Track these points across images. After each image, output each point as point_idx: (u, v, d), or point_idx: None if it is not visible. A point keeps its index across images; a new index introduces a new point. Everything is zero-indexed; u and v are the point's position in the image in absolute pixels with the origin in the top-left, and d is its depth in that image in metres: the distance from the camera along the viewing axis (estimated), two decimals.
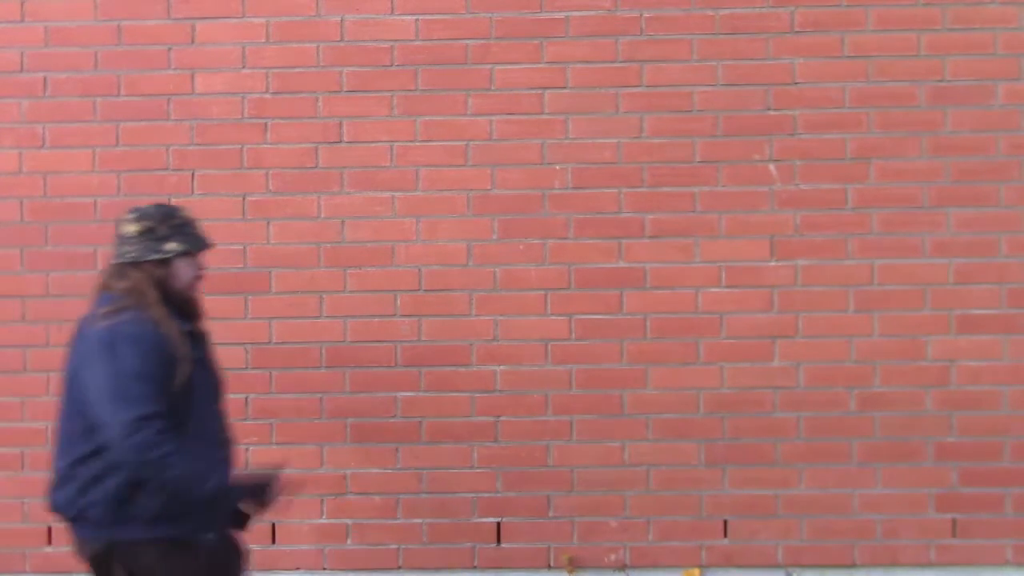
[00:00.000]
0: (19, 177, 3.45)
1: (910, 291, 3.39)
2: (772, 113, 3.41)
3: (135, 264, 2.25)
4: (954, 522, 3.38)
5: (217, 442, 2.35)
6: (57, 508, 2.26)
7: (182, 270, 2.31)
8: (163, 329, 2.20)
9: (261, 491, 2.38)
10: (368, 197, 3.43)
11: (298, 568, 3.42)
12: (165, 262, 2.27)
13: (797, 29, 3.41)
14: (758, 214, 3.40)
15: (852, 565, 3.39)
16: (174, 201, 3.42)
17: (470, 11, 3.42)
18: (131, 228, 2.28)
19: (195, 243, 2.34)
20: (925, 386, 3.38)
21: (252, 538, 3.41)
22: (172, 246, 2.28)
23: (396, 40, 3.43)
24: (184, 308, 2.34)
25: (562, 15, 3.42)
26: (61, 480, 2.24)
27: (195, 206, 3.41)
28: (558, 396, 3.41)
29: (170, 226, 2.30)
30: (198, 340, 2.37)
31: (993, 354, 3.38)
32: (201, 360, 2.33)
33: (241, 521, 2.47)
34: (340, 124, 3.43)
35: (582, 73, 3.42)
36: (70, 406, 2.26)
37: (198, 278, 2.38)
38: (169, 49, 3.45)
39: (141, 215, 2.30)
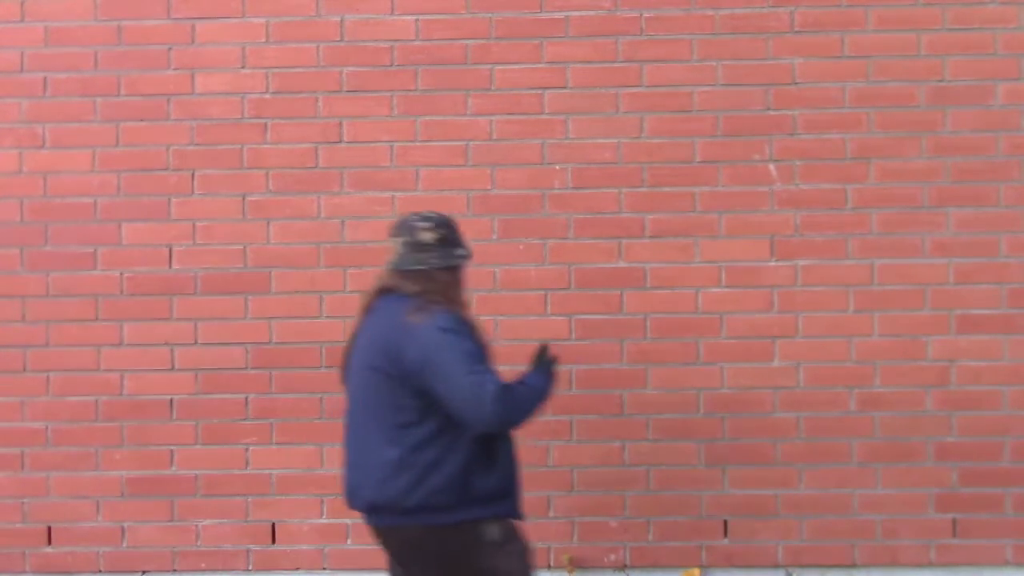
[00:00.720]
0: (19, 177, 3.45)
1: (910, 291, 3.39)
2: (772, 113, 3.41)
3: (427, 271, 2.31)
4: (954, 522, 3.38)
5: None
6: (388, 500, 2.24)
7: (464, 278, 2.41)
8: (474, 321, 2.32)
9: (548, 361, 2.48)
10: (368, 197, 3.43)
11: (298, 568, 3.42)
12: (454, 268, 2.36)
13: (797, 29, 3.41)
14: (758, 214, 3.40)
15: (852, 565, 3.39)
16: (174, 201, 3.44)
17: (470, 11, 3.42)
18: (429, 236, 2.33)
19: (469, 250, 2.44)
20: (925, 386, 3.38)
21: (252, 538, 3.43)
22: (462, 252, 2.38)
23: (396, 40, 3.43)
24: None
25: (562, 15, 3.42)
26: (391, 472, 2.23)
27: (195, 206, 3.43)
28: (558, 396, 3.40)
29: (458, 235, 2.40)
30: None
31: (993, 354, 3.38)
32: None
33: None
34: (340, 124, 3.43)
35: (582, 73, 3.42)
36: (380, 399, 2.27)
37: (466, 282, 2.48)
38: (169, 49, 3.45)
39: (437, 223, 2.36)
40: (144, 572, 3.44)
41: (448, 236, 2.36)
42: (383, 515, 2.28)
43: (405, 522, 2.25)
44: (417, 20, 3.43)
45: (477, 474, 2.25)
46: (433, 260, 2.32)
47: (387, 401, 2.25)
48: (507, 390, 2.17)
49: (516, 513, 2.36)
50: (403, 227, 2.37)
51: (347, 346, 2.43)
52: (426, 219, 2.37)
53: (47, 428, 3.44)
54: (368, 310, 2.38)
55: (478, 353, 2.22)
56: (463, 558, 2.25)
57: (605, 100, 3.42)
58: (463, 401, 2.14)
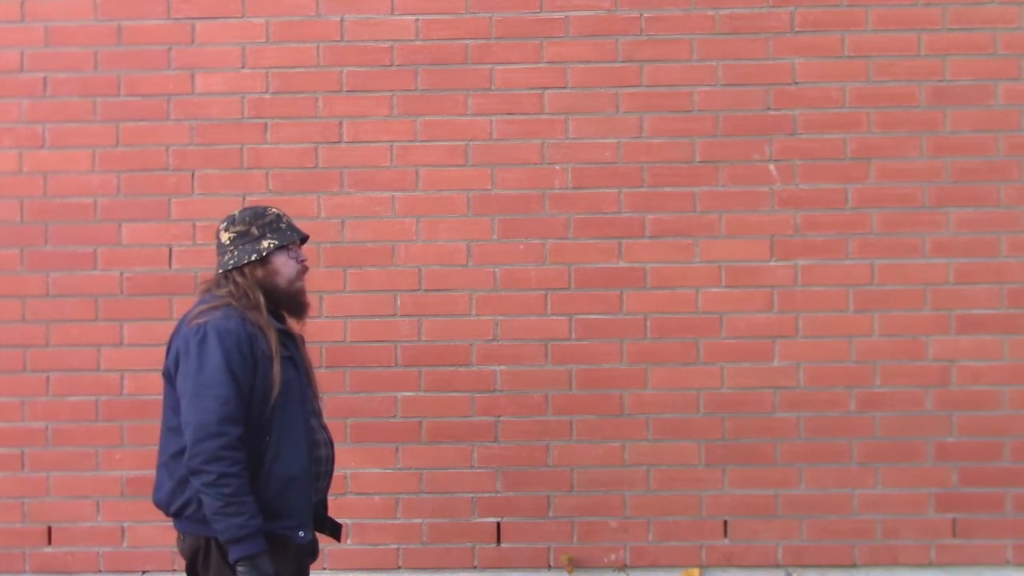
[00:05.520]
0: (19, 177, 3.45)
1: (910, 291, 3.39)
2: (772, 113, 3.41)
3: (237, 270, 2.29)
4: (954, 522, 3.38)
5: (305, 443, 2.30)
6: (157, 504, 2.31)
7: (283, 266, 2.34)
8: (256, 327, 2.24)
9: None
10: (368, 197, 3.43)
11: None
12: (265, 261, 2.31)
13: (797, 29, 3.41)
14: (758, 214, 3.40)
15: (852, 565, 3.39)
16: (174, 201, 3.44)
17: (470, 11, 3.42)
18: (225, 236, 2.32)
19: (289, 235, 2.35)
20: (925, 386, 3.38)
21: None
22: (267, 243, 2.31)
23: (396, 40, 3.43)
24: (291, 304, 2.38)
25: (562, 15, 3.42)
26: (159, 477, 2.30)
27: (195, 206, 3.43)
28: (558, 396, 3.41)
29: (261, 225, 2.33)
30: (291, 339, 2.40)
31: (993, 354, 3.38)
32: (292, 359, 2.35)
33: (336, 529, 2.57)
34: (340, 124, 3.43)
35: (582, 73, 3.42)
36: (167, 402, 2.30)
37: (302, 270, 2.41)
38: (169, 49, 3.45)
39: (232, 221, 2.33)
40: (144, 572, 3.44)
41: (248, 230, 2.31)
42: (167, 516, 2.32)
43: (177, 526, 2.29)
44: (417, 20, 3.43)
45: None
46: (231, 260, 2.30)
47: (168, 405, 2.29)
48: (223, 457, 2.10)
49: (290, 531, 2.25)
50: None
51: None
52: (227, 218, 2.36)
53: (47, 428, 3.44)
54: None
55: (227, 375, 2.14)
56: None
57: (605, 100, 3.42)
58: (184, 423, 2.17)
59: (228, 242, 2.31)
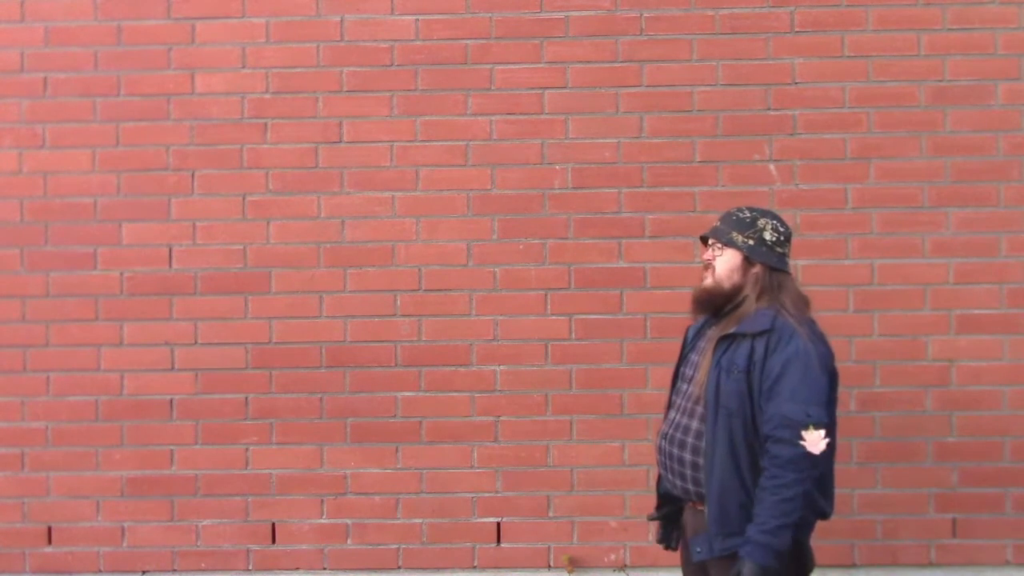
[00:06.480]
0: (19, 177, 3.45)
1: (910, 291, 3.39)
2: (772, 113, 3.41)
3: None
4: (954, 522, 3.38)
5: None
6: None
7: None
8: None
9: None
10: (368, 197, 3.43)
11: (298, 568, 3.42)
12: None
13: (797, 29, 3.41)
14: None
15: (852, 565, 3.39)
16: (174, 201, 3.44)
17: (470, 11, 3.42)
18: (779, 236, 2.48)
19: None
20: (925, 386, 3.38)
21: (252, 538, 3.43)
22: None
23: (396, 40, 3.43)
24: None
25: (562, 15, 3.42)
26: None
27: (195, 206, 3.43)
28: (558, 396, 3.41)
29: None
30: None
31: (993, 354, 3.38)
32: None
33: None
34: (340, 124, 3.44)
35: (582, 73, 3.42)
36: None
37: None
38: (169, 49, 3.45)
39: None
40: (144, 572, 3.44)
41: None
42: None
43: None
44: (417, 20, 3.43)
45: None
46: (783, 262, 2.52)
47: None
48: None
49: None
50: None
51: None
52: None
53: (47, 428, 3.44)
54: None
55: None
56: None
57: (605, 100, 3.42)
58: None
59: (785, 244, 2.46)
